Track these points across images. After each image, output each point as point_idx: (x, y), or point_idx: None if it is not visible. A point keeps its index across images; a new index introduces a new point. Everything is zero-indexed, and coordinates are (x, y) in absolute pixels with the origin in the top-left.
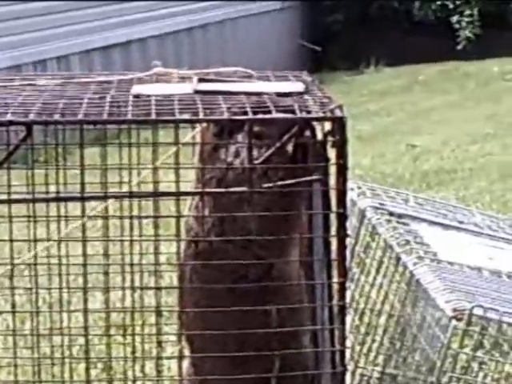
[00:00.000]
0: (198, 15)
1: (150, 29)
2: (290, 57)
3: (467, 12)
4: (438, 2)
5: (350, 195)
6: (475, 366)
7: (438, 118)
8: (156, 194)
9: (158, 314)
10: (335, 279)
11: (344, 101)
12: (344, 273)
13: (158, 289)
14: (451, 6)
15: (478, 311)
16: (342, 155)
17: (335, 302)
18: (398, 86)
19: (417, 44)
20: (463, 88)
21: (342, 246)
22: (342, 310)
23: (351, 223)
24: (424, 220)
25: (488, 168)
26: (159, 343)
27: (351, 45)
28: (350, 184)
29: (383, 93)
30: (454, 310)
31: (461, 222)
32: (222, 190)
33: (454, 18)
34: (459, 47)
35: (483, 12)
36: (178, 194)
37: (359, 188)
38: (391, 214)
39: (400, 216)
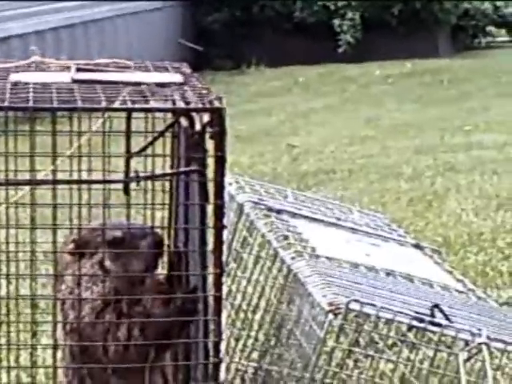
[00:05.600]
0: (78, 12)
1: (29, 25)
2: (170, 56)
3: (349, 15)
4: (320, 3)
5: (229, 190)
6: (350, 363)
7: (318, 119)
8: (32, 183)
9: (34, 304)
10: (211, 270)
11: (224, 101)
12: (220, 264)
13: (34, 277)
14: (333, 8)
15: (354, 306)
16: (220, 146)
17: (211, 293)
18: (278, 87)
19: (298, 46)
20: (343, 90)
21: (218, 238)
22: (218, 301)
23: (229, 218)
24: (303, 216)
25: (367, 169)
26: (34, 333)
27: (232, 45)
28: (228, 179)
29: (263, 93)
30: (331, 304)
31: (339, 219)
32: (100, 179)
33: (336, 21)
34: (340, 50)
35: (365, 16)
36: (54, 183)
37: (238, 183)
38: (270, 209)
39: (279, 212)
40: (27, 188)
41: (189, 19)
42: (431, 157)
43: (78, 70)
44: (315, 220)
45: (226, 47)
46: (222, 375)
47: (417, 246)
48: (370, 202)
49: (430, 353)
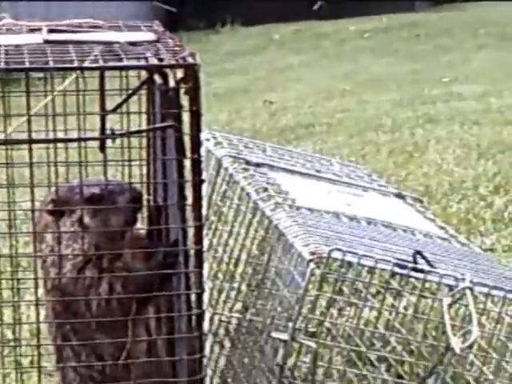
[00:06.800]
0: None
1: None
2: (144, 17)
3: None
4: None
5: (207, 145)
6: (334, 312)
7: (294, 75)
8: (7, 142)
9: (16, 262)
10: (191, 223)
11: (201, 60)
12: (199, 217)
13: (15, 235)
14: None
15: (336, 254)
16: (195, 101)
17: (192, 245)
18: (253, 45)
19: (272, 3)
20: (318, 47)
21: (196, 191)
22: (199, 254)
23: (208, 173)
24: (282, 169)
25: (345, 123)
26: (17, 290)
27: (206, 4)
28: (206, 134)
29: (239, 52)
30: (312, 253)
31: (319, 171)
32: (75, 137)
33: None
34: (315, 7)
35: None
36: (29, 142)
37: (215, 138)
38: (248, 163)
39: (257, 165)
40: None
41: None
42: (410, 109)
43: (50, 31)
44: (295, 172)
45: (200, 7)
46: (206, 326)
47: (398, 195)
48: (350, 155)
49: (414, 299)
